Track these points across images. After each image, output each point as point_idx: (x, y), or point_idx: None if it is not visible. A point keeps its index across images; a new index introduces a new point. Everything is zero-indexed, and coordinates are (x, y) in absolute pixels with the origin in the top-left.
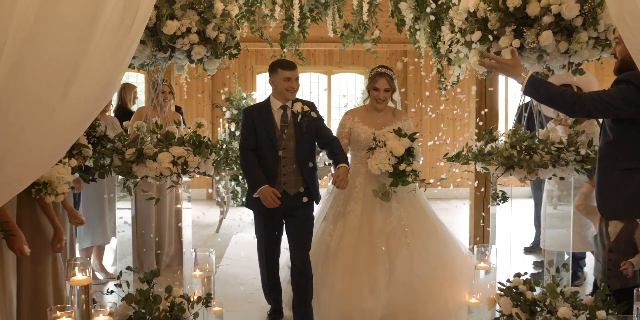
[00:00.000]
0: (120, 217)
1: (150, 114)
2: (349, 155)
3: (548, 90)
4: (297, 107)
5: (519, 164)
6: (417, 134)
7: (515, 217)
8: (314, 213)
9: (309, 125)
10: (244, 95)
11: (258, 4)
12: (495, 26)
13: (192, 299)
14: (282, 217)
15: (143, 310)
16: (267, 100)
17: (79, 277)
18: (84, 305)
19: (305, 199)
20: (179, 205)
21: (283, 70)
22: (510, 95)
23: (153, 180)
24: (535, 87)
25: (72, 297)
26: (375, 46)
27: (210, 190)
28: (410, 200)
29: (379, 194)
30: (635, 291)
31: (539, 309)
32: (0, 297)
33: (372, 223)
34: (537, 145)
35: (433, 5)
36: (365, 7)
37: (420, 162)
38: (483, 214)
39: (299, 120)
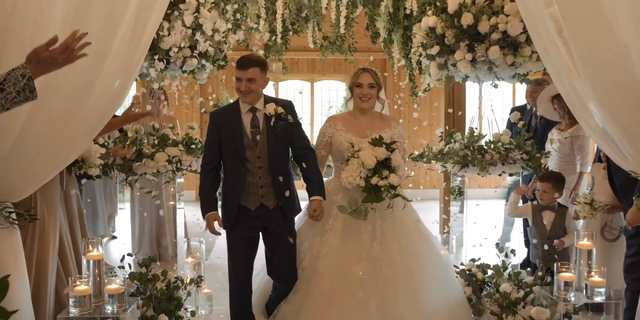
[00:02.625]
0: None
1: (147, 118)
2: (329, 169)
3: None
4: (270, 108)
5: (472, 162)
6: (396, 143)
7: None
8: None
9: (284, 129)
10: (231, 101)
11: (244, 18)
12: (452, 41)
13: (185, 281)
14: (259, 230)
15: (144, 287)
16: (236, 102)
17: (94, 253)
18: (97, 276)
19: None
20: (171, 202)
21: (236, 69)
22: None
23: (151, 177)
24: None
25: (88, 269)
26: (356, 55)
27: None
28: (398, 220)
29: (347, 210)
30: (555, 264)
31: (487, 288)
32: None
33: (352, 245)
34: (488, 146)
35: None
36: (342, 20)
37: (403, 174)
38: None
39: (272, 124)
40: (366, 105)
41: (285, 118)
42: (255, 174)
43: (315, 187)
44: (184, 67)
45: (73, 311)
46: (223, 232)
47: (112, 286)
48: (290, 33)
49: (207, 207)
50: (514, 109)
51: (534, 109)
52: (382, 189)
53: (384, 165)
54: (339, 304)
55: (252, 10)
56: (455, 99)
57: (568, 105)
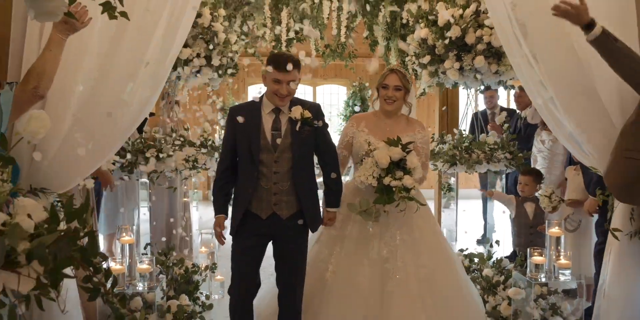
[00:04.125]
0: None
1: (162, 121)
2: (350, 171)
3: (619, 49)
4: (296, 112)
5: (460, 161)
6: (413, 145)
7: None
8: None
9: (310, 134)
10: (236, 104)
11: (251, 28)
12: (441, 51)
13: (201, 267)
14: (268, 240)
15: (166, 271)
16: (260, 99)
17: (126, 238)
18: (129, 258)
19: (300, 221)
20: (185, 199)
21: (275, 70)
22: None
23: (170, 174)
24: (606, 40)
25: (122, 252)
26: (356, 61)
27: (207, 192)
28: (415, 229)
29: (357, 209)
30: (528, 250)
31: (473, 273)
32: None
33: (368, 251)
34: (475, 146)
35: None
36: (343, 30)
37: (419, 178)
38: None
39: (297, 129)
40: (390, 107)
41: (311, 123)
42: (269, 179)
43: (334, 197)
44: (200, 74)
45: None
46: (229, 238)
47: (143, 266)
48: (294, 41)
49: (215, 208)
50: (502, 109)
51: (520, 112)
52: (395, 190)
53: (399, 166)
54: (360, 309)
55: (258, 20)
56: (449, 102)
57: (538, 111)
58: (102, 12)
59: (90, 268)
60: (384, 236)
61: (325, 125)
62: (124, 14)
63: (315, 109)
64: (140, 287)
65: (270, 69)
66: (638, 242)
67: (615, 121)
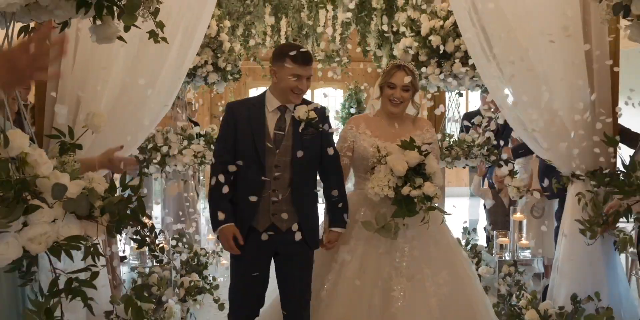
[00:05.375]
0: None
1: (172, 121)
2: (351, 180)
3: None
4: (300, 111)
5: (441, 157)
6: (431, 145)
7: None
8: None
9: (314, 139)
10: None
11: (253, 35)
12: (424, 59)
13: (209, 252)
14: (271, 258)
15: (178, 252)
16: (262, 95)
17: (145, 220)
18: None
19: (298, 236)
20: (191, 193)
21: (294, 64)
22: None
23: (181, 168)
24: None
25: None
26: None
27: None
28: (429, 238)
29: (374, 227)
30: (494, 232)
31: None
32: None
33: (374, 271)
34: (455, 144)
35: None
36: (338, 38)
37: (439, 183)
38: None
39: (300, 130)
40: (396, 109)
41: (316, 125)
42: (269, 185)
43: (339, 215)
44: (207, 80)
45: (134, 262)
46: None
47: (160, 245)
48: None
49: (218, 217)
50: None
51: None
52: (416, 200)
53: (417, 172)
54: None
55: (259, 28)
56: (435, 103)
57: (502, 111)
58: (149, 39)
59: (139, 224)
60: (393, 252)
61: (331, 132)
62: (164, 39)
63: (321, 112)
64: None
65: (289, 63)
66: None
67: (566, 121)
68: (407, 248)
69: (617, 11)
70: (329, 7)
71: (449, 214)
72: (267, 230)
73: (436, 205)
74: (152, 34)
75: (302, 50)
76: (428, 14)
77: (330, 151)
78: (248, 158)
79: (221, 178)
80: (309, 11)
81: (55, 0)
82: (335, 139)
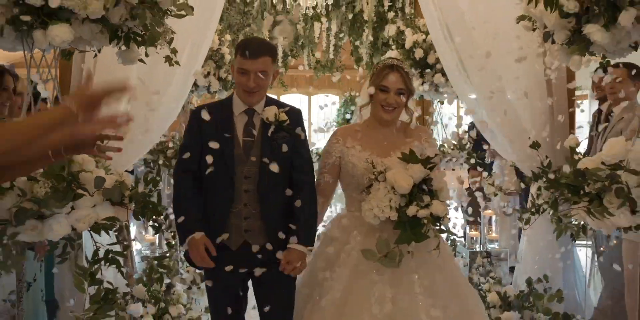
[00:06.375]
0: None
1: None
2: (340, 201)
3: None
4: (269, 112)
5: None
6: (437, 157)
7: None
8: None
9: (285, 143)
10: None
11: None
12: (408, 69)
13: None
14: (246, 280)
15: None
16: (229, 98)
17: None
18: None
19: (279, 254)
20: None
21: (239, 57)
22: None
23: None
24: None
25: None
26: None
27: None
28: (434, 265)
29: (376, 256)
30: (467, 226)
31: None
32: None
33: (364, 306)
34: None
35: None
36: (332, 48)
37: (448, 203)
38: None
39: (269, 134)
40: (390, 116)
41: (287, 129)
42: (239, 199)
43: (302, 231)
44: (210, 89)
45: (145, 252)
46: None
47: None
48: (289, 57)
49: (188, 225)
50: None
51: None
52: (424, 222)
53: (423, 188)
54: None
55: None
56: (423, 109)
57: (474, 120)
58: (165, 62)
59: (156, 213)
60: (397, 285)
61: (304, 137)
62: (177, 62)
63: (295, 114)
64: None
65: (237, 57)
66: (542, 219)
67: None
68: (409, 279)
69: (546, 38)
70: (323, 19)
71: (459, 236)
72: (240, 248)
73: (447, 227)
74: (168, 59)
75: (252, 43)
76: (412, 28)
77: (302, 158)
78: (217, 169)
79: (185, 182)
80: (304, 23)
81: (94, 34)
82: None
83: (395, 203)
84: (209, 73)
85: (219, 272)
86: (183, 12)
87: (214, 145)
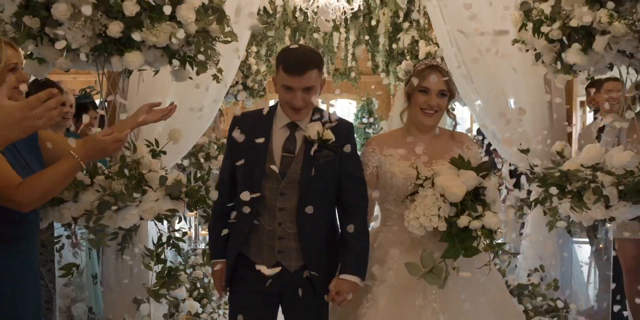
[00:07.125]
0: None
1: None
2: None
3: None
4: (312, 130)
5: None
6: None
7: None
8: None
9: (330, 162)
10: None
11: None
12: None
13: None
14: (278, 303)
15: None
16: (273, 108)
17: (190, 213)
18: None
19: (307, 273)
20: None
21: (283, 72)
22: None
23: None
24: None
25: (188, 222)
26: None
27: None
28: (478, 285)
29: (421, 272)
30: None
31: None
32: None
33: None
34: None
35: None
36: (350, 56)
37: (501, 215)
38: None
39: (312, 153)
40: (431, 121)
41: (332, 147)
42: (273, 217)
43: (355, 260)
44: (237, 97)
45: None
46: None
47: (203, 232)
48: None
49: (212, 250)
50: None
51: None
52: (476, 234)
53: (475, 198)
54: None
55: (280, 48)
56: None
57: (480, 125)
58: (212, 80)
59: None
60: (446, 310)
61: (354, 154)
62: (215, 77)
63: (344, 129)
64: (201, 246)
65: (281, 71)
66: (543, 218)
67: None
68: (457, 303)
69: (537, 58)
70: (342, 29)
71: (516, 254)
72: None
73: (501, 242)
74: (215, 77)
75: (296, 55)
76: (425, 40)
77: (352, 178)
78: (244, 180)
79: (218, 205)
80: (324, 33)
81: (157, 57)
82: None
83: (445, 212)
84: (237, 82)
85: (247, 293)
86: (229, 39)
87: (241, 161)
